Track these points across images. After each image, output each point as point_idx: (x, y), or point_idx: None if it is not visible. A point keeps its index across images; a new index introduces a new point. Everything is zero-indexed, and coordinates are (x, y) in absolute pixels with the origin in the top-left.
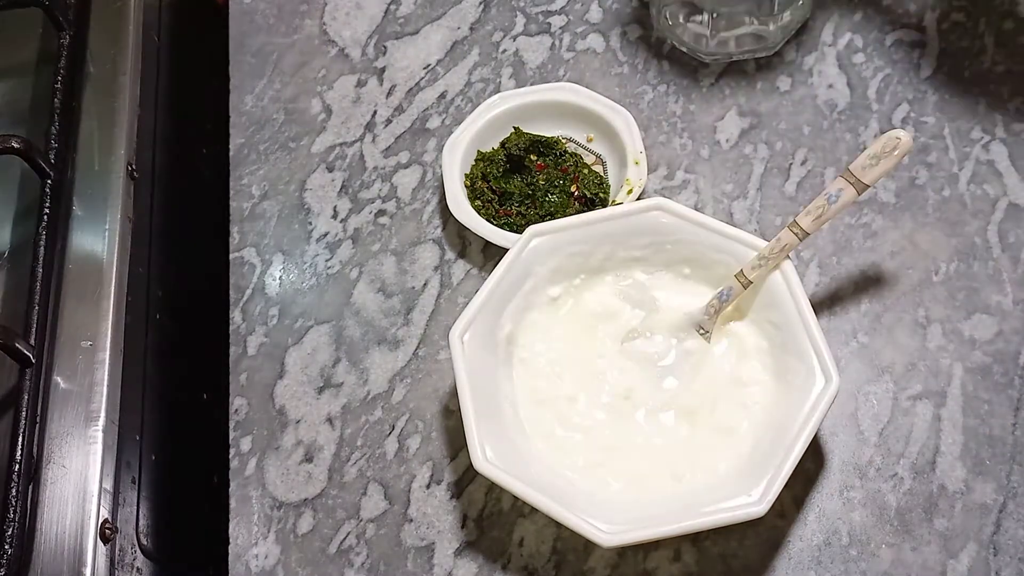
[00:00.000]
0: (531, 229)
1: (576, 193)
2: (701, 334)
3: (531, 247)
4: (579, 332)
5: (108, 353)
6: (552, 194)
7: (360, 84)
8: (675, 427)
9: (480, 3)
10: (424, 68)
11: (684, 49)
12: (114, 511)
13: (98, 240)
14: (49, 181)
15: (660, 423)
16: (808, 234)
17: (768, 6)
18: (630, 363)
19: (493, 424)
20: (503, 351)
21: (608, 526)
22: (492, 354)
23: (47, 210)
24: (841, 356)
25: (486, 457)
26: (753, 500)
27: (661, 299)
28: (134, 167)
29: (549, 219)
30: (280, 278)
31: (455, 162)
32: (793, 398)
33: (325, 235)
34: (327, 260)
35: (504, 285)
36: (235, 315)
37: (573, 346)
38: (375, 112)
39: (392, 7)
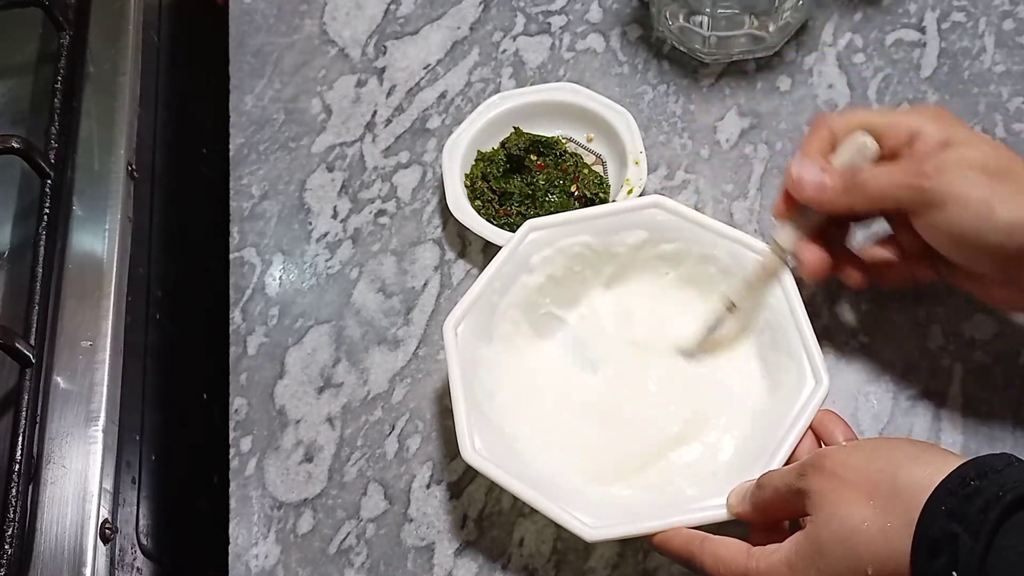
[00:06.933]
0: (529, 223)
1: (576, 193)
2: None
3: (528, 240)
4: (573, 328)
5: (108, 353)
6: (552, 194)
7: (360, 84)
8: (664, 425)
9: (480, 3)
10: (424, 68)
11: (684, 49)
12: (114, 511)
13: (98, 240)
14: (49, 181)
15: (649, 421)
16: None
17: (768, 6)
18: (621, 362)
19: (484, 416)
20: (497, 344)
21: (593, 520)
22: (486, 346)
23: (47, 210)
24: (841, 356)
25: (475, 448)
26: None
27: (655, 302)
28: (134, 167)
29: None
30: (280, 278)
31: (455, 162)
32: (783, 399)
33: (325, 235)
34: (327, 260)
35: (500, 278)
36: (235, 315)
37: (566, 342)
38: (375, 112)
39: (392, 7)
